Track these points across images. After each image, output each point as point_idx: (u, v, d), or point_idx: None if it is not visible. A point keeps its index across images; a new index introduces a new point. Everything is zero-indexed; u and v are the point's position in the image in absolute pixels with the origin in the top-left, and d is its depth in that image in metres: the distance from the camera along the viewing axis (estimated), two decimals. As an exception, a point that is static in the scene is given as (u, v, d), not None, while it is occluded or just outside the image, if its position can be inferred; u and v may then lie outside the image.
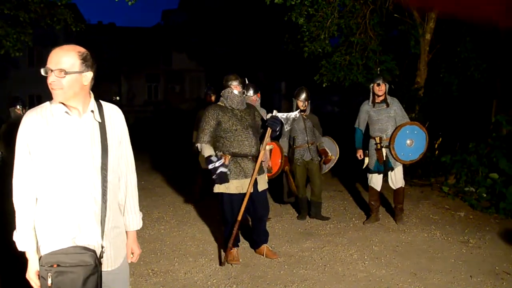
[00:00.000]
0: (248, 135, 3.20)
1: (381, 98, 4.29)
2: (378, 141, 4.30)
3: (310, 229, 4.35)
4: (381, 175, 4.41)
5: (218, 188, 3.21)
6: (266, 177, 3.49)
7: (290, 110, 4.46)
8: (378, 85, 4.23)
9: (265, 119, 3.26)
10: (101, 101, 1.59)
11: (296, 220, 4.69)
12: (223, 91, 3.30)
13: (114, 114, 1.59)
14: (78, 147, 1.50)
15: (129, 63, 21.87)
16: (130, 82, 22.40)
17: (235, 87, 3.25)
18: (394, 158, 4.26)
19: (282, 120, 3.18)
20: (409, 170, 5.94)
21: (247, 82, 3.86)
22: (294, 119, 3.28)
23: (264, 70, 17.75)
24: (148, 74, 22.42)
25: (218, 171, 3.06)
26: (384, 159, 4.28)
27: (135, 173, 1.71)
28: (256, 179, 3.26)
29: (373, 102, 4.32)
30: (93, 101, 1.55)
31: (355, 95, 9.45)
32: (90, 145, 1.51)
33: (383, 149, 4.30)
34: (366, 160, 4.45)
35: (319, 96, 11.74)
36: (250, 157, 3.22)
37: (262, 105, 4.38)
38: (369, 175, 4.47)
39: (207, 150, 3.18)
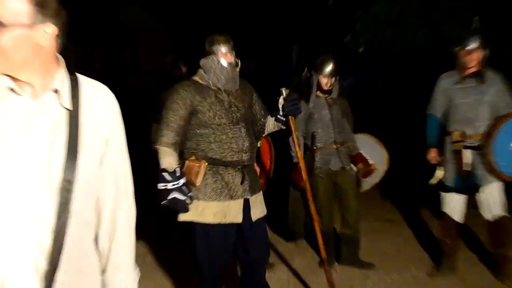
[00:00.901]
0: (238, 133, 3.31)
1: (472, 70, 4.30)
2: (459, 138, 4.30)
3: (340, 284, 4.31)
4: (464, 197, 4.42)
5: (184, 216, 3.26)
6: (261, 198, 3.57)
7: (304, 90, 4.62)
8: (469, 51, 4.24)
9: (278, 102, 3.40)
10: (79, 76, 1.62)
11: (317, 269, 4.65)
12: (202, 61, 3.38)
13: (98, 98, 1.62)
14: (24, 149, 1.50)
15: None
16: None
17: (223, 55, 3.35)
18: (488, 169, 4.26)
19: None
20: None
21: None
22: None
23: (264, 27, 17.39)
24: (79, 32, 21.14)
25: (171, 196, 3.13)
26: (469, 168, 4.30)
27: (132, 202, 1.73)
28: (247, 202, 3.34)
29: (460, 76, 4.34)
30: (62, 75, 1.57)
31: (412, 66, 9.52)
32: (47, 146, 1.51)
33: (467, 152, 4.31)
34: (439, 171, 4.48)
35: (352, 68, 11.61)
36: (239, 168, 3.30)
37: (259, 83, 4.51)
38: (443, 195, 4.48)
39: (166, 158, 3.23)
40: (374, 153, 4.87)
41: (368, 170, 4.67)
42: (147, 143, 5.34)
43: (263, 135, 3.62)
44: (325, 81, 4.50)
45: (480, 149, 4.25)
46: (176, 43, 16.52)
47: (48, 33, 1.52)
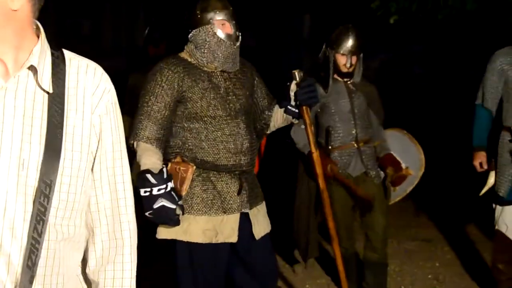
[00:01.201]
0: (236, 130, 3.33)
1: None
2: None
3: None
4: None
5: (164, 232, 3.27)
6: (265, 210, 3.59)
7: (321, 74, 4.55)
8: None
9: (289, 88, 3.40)
10: (66, 52, 1.61)
11: None
12: (193, 33, 3.35)
13: (89, 80, 1.61)
14: None
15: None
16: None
17: (220, 26, 3.32)
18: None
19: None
20: None
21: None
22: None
23: None
24: None
25: (158, 204, 3.09)
26: None
27: (133, 216, 1.71)
28: (247, 216, 3.37)
29: None
30: (41, 50, 1.54)
31: (460, 41, 9.29)
32: (20, 139, 1.49)
33: None
34: (492, 177, 4.39)
35: (381, 44, 11.97)
36: (236, 174, 3.33)
37: (262, 63, 4.85)
38: (497, 209, 4.36)
39: (148, 157, 3.21)
40: (407, 154, 4.75)
41: (399, 176, 4.53)
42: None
43: (268, 132, 3.57)
44: (343, 61, 4.35)
45: None
46: (151, 11, 16.54)
47: None
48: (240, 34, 3.43)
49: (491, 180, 4.38)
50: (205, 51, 3.33)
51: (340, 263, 3.91)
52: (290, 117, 3.43)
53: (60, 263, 1.59)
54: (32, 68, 1.54)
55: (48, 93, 1.55)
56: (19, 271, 1.51)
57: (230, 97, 3.35)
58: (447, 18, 7.23)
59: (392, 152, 4.62)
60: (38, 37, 1.59)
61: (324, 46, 4.65)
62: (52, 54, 1.60)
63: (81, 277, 1.70)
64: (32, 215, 1.50)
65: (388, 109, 4.88)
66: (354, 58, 4.42)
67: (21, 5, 1.51)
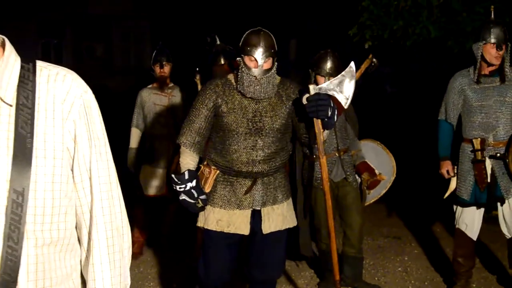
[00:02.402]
0: (251, 144, 3.41)
1: (493, 68, 4.29)
2: (478, 146, 4.28)
3: (342, 308, 4.25)
4: (481, 211, 4.41)
5: (198, 221, 3.59)
6: (286, 209, 3.64)
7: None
8: (499, 47, 4.20)
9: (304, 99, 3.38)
10: (39, 63, 1.51)
11: None
12: (238, 59, 3.40)
13: (58, 88, 1.50)
14: None
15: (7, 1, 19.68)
16: (8, 34, 22.75)
17: (251, 62, 3.34)
18: (513, 180, 4.32)
19: (330, 94, 3.27)
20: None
21: (218, 41, 4.24)
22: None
23: (259, 18, 17.64)
24: (44, 21, 20.94)
25: (181, 197, 3.40)
26: (489, 181, 4.29)
27: (109, 213, 1.56)
28: (259, 213, 3.48)
29: (478, 75, 4.32)
30: (5, 63, 1.46)
31: (423, 63, 9.22)
32: None
33: (488, 162, 4.30)
34: (453, 182, 4.47)
35: (357, 66, 11.78)
36: (249, 178, 3.46)
37: None
38: (458, 210, 4.47)
39: (183, 159, 3.48)
40: (380, 162, 4.79)
41: (374, 181, 4.62)
42: (125, 151, 5.44)
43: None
44: (322, 81, 4.37)
45: (503, 158, 4.21)
46: (157, 35, 16.23)
47: None
48: (274, 65, 3.40)
49: (452, 185, 4.45)
50: (239, 79, 3.38)
51: (334, 256, 3.88)
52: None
53: (45, 267, 1.52)
54: None
55: (8, 105, 1.47)
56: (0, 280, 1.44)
57: (256, 118, 3.39)
58: (414, 44, 7.21)
59: (366, 160, 4.69)
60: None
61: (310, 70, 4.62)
62: (22, 67, 1.52)
63: (77, 280, 1.62)
64: (5, 225, 1.43)
65: (363, 122, 4.92)
66: (332, 79, 4.50)
67: None
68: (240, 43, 3.38)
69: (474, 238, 4.39)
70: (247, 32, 3.39)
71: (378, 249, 5.67)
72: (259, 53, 3.28)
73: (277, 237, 3.55)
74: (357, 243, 4.60)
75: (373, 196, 4.81)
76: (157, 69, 5.35)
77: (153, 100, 5.27)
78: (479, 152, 4.27)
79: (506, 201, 4.27)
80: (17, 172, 1.43)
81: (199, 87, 4.70)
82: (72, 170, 1.53)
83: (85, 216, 1.56)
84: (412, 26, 7.10)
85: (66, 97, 1.51)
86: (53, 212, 1.50)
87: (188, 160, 3.44)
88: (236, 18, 13.91)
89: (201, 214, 3.51)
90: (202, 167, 3.52)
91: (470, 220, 4.37)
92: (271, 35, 3.41)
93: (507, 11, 6.67)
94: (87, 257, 1.56)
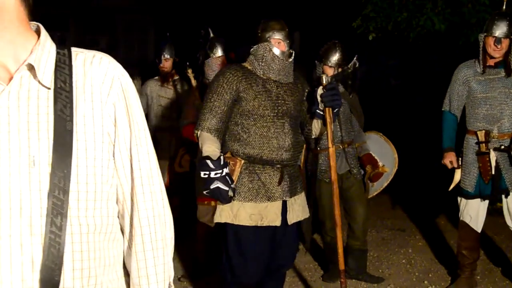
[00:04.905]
0: (280, 128, 3.41)
1: (498, 60, 4.26)
2: (482, 138, 4.27)
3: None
4: (485, 204, 4.39)
5: (218, 217, 3.43)
6: (304, 198, 3.69)
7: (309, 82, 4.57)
8: (498, 41, 4.16)
9: (316, 93, 3.45)
10: (73, 49, 1.49)
11: (321, 282, 4.77)
12: (254, 48, 3.46)
13: (95, 71, 1.47)
14: None
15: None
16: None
17: (277, 44, 3.43)
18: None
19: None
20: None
21: (211, 34, 4.18)
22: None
23: (262, 11, 17.65)
24: (47, 13, 20.02)
25: (214, 185, 3.22)
26: (493, 173, 4.28)
27: (152, 198, 1.54)
28: (285, 204, 3.47)
29: (483, 66, 4.31)
30: (42, 48, 1.43)
31: (427, 55, 9.34)
32: (27, 136, 1.38)
33: (493, 154, 4.30)
34: (458, 174, 4.45)
35: (362, 58, 11.84)
36: (278, 167, 3.43)
37: None
38: (462, 202, 4.46)
39: (208, 145, 3.34)
40: (383, 154, 4.81)
41: (377, 173, 4.64)
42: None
43: (313, 137, 3.72)
44: (330, 72, 4.44)
45: (508, 150, 4.20)
46: (160, 28, 16.19)
47: None
48: (293, 52, 3.53)
49: (457, 177, 4.45)
50: (262, 64, 3.43)
51: (340, 246, 3.88)
52: (320, 120, 3.50)
53: (90, 256, 1.49)
54: (33, 67, 1.45)
55: (47, 88, 1.45)
56: (43, 267, 1.41)
57: (279, 101, 3.43)
58: (418, 36, 7.15)
59: (371, 152, 4.69)
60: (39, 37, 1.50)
61: (316, 62, 4.67)
62: (58, 53, 1.50)
63: (120, 272, 1.60)
64: (48, 210, 1.40)
65: (368, 114, 4.93)
66: (340, 70, 4.51)
67: (14, 2, 1.42)
68: (259, 31, 3.45)
69: (479, 230, 4.38)
70: (263, 21, 3.49)
71: (382, 242, 5.69)
72: (285, 37, 3.41)
73: (295, 227, 3.58)
74: (361, 235, 4.63)
75: (376, 188, 4.83)
76: (164, 63, 5.38)
77: (158, 92, 5.26)
78: (484, 144, 4.27)
79: (511, 193, 4.26)
80: (58, 155, 1.40)
81: (193, 81, 4.70)
82: (113, 155, 1.50)
83: (126, 203, 1.54)
84: (416, 17, 7.05)
85: (104, 79, 1.48)
86: (96, 198, 1.47)
87: (213, 147, 3.34)
88: (240, 11, 13.90)
89: (226, 209, 3.42)
90: (223, 158, 3.39)
91: (474, 212, 4.37)
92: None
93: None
94: (129, 246, 1.55)
